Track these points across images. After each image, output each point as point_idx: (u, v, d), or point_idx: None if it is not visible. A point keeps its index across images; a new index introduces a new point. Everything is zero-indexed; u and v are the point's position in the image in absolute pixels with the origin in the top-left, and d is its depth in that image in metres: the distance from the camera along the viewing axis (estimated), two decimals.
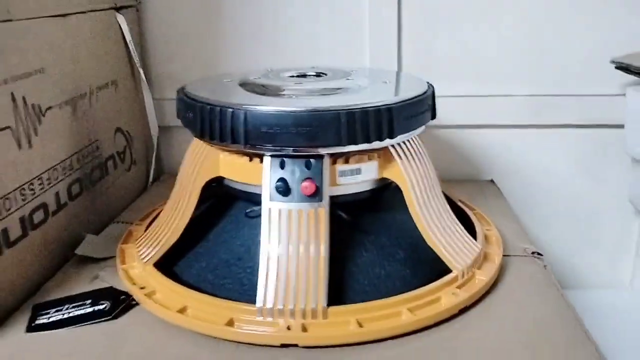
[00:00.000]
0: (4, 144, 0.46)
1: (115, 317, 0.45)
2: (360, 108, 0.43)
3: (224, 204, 0.52)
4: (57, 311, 0.46)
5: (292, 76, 0.54)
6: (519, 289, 0.49)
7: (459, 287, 0.47)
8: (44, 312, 0.46)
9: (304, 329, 0.42)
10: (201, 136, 0.46)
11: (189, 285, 0.47)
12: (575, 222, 0.78)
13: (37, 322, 0.45)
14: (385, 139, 0.45)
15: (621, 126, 0.71)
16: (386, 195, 0.50)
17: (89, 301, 0.47)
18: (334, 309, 0.43)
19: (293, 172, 0.45)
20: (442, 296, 0.46)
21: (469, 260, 0.49)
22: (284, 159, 0.45)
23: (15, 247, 0.47)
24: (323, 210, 0.44)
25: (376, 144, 0.45)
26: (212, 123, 0.45)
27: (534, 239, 0.61)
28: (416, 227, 0.48)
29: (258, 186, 0.47)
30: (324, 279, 0.43)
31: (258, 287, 0.43)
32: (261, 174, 0.46)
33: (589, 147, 0.75)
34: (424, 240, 0.48)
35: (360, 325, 0.42)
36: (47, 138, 0.52)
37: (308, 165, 0.45)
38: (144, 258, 0.50)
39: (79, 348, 0.42)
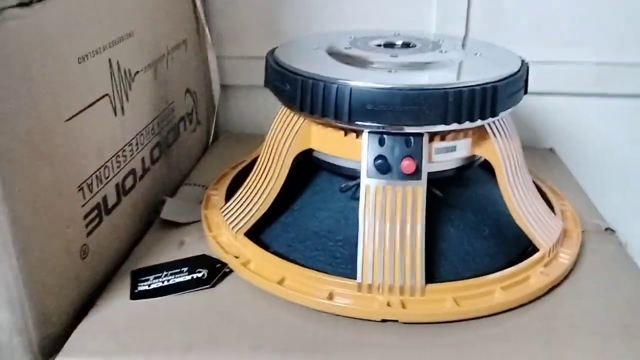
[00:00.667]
0: (103, 112, 0.46)
1: (213, 286, 0.47)
2: (467, 87, 0.43)
3: (310, 175, 0.52)
4: (156, 278, 0.47)
5: (380, 45, 0.53)
6: (602, 268, 0.50)
7: (545, 265, 0.48)
8: (143, 279, 0.47)
9: (403, 306, 0.43)
10: (300, 110, 0.46)
11: (280, 255, 0.48)
12: (632, 192, 0.78)
13: (139, 289, 0.46)
14: (487, 117, 0.45)
15: None
16: (472, 171, 0.50)
17: (186, 269, 0.48)
18: (430, 286, 0.44)
19: (392, 150, 0.45)
20: (531, 275, 0.47)
21: (554, 238, 0.50)
22: (384, 135, 0.45)
23: (112, 214, 0.48)
24: (421, 188, 0.45)
25: (478, 122, 0.45)
26: (313, 98, 0.45)
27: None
28: (502, 204, 0.49)
29: (351, 161, 0.48)
30: (421, 257, 0.44)
31: (358, 263, 0.44)
32: (356, 149, 0.46)
33: None
34: (509, 217, 0.49)
35: (457, 304, 0.43)
36: (135, 103, 0.52)
37: (408, 143, 0.45)
38: (233, 227, 0.51)
39: (186, 316, 0.43)
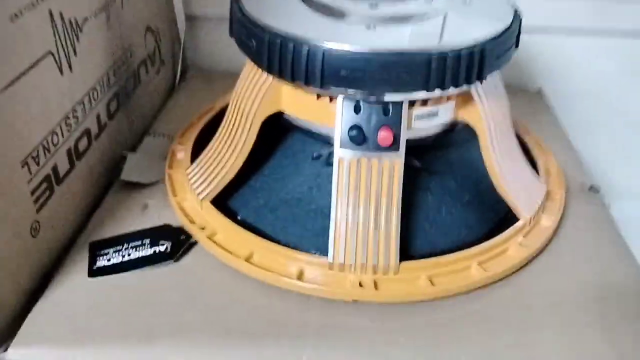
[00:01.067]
0: (46, 72, 0.41)
1: (177, 260, 0.44)
2: (452, 50, 0.39)
3: (281, 134, 0.48)
4: (116, 252, 0.45)
5: None
6: (582, 234, 0.48)
7: (525, 235, 0.46)
8: (102, 253, 0.44)
9: (376, 286, 0.41)
10: (268, 71, 0.42)
11: (247, 224, 0.46)
12: (619, 133, 0.76)
13: (98, 264, 0.43)
14: (473, 82, 0.41)
15: None
16: (454, 134, 0.47)
17: (148, 240, 0.45)
18: (405, 264, 0.42)
19: (369, 119, 0.41)
20: (510, 247, 0.45)
21: (537, 205, 0.48)
22: (359, 102, 0.41)
23: (65, 182, 0.45)
24: (398, 160, 0.41)
25: (463, 87, 0.41)
26: (282, 59, 0.40)
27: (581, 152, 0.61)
28: (483, 168, 0.46)
29: (325, 127, 0.44)
30: (396, 235, 0.42)
31: (329, 241, 0.42)
32: (329, 114, 0.42)
33: None
34: (490, 182, 0.46)
35: (432, 283, 0.41)
36: (85, 56, 0.46)
37: (386, 111, 0.41)
38: (199, 193, 0.47)
39: (148, 297, 0.41)
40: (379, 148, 0.41)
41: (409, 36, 0.41)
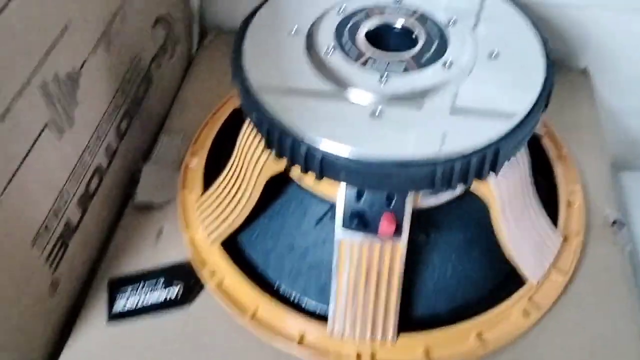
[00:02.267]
0: (46, 144, 0.41)
1: (189, 303, 0.47)
2: (460, 156, 0.36)
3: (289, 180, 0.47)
4: (133, 290, 0.47)
5: (372, 37, 0.43)
6: (592, 294, 0.47)
7: (530, 297, 0.46)
8: (120, 291, 0.47)
9: (373, 357, 0.43)
10: (267, 148, 0.40)
11: (253, 266, 0.47)
12: None
13: (115, 309, 0.46)
14: (485, 177, 0.38)
15: None
16: (466, 199, 0.45)
17: (162, 280, 0.48)
18: (403, 336, 0.43)
19: (371, 205, 0.40)
20: (513, 313, 0.45)
21: (546, 267, 0.47)
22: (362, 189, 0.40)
23: (79, 228, 0.46)
24: (400, 245, 0.41)
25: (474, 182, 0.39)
26: (281, 147, 0.38)
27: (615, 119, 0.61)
28: (492, 231, 0.45)
29: (328, 195, 0.43)
30: (395, 309, 0.42)
31: (330, 312, 0.43)
32: (332, 189, 0.41)
33: None
34: (498, 245, 0.45)
35: (428, 354, 0.43)
36: (87, 98, 0.45)
37: (389, 198, 0.40)
38: (209, 234, 0.48)
39: (161, 345, 0.44)
40: (381, 235, 0.40)
41: (415, 135, 0.37)
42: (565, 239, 0.49)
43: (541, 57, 0.42)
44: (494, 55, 0.42)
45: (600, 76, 0.66)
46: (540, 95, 0.39)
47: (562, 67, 0.66)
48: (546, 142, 0.56)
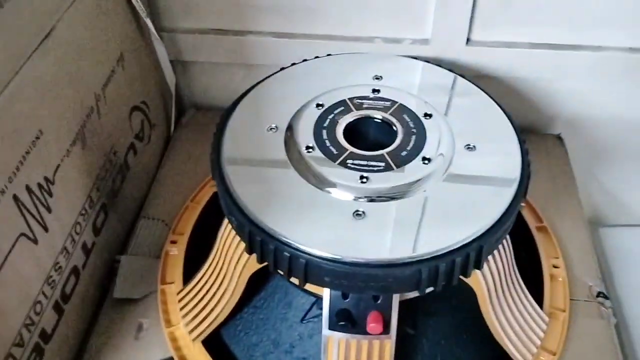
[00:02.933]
0: (21, 254, 0.39)
1: None
2: (446, 254, 0.36)
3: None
4: None
5: (350, 132, 0.43)
6: None
7: None
8: None
9: None
10: (249, 253, 0.39)
11: None
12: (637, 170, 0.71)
13: None
14: (470, 275, 0.38)
15: None
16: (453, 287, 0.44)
17: None
18: None
19: (358, 304, 0.39)
20: None
21: (536, 345, 0.46)
22: None
23: (56, 332, 0.45)
24: (389, 343, 0.40)
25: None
26: (264, 253, 0.38)
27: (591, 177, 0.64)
28: (482, 319, 0.44)
29: (313, 289, 0.42)
30: None
31: None
32: (317, 287, 0.41)
33: None
34: (489, 332, 0.45)
35: None
36: (61, 202, 0.44)
37: (376, 297, 0.39)
38: (190, 331, 0.47)
39: None
40: (369, 333, 0.40)
41: (397, 235, 0.37)
42: (552, 315, 0.49)
43: (516, 144, 0.42)
44: (470, 147, 0.42)
45: (573, 141, 0.67)
46: (519, 185, 0.40)
47: (537, 134, 0.67)
48: (526, 214, 0.56)
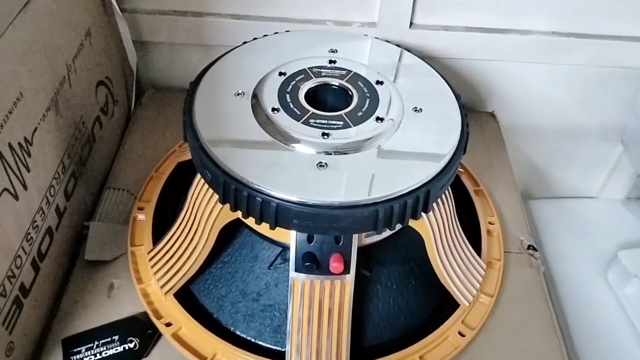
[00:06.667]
0: (3, 207, 0.42)
1: (146, 356, 0.48)
2: (398, 198, 0.41)
3: (240, 227, 0.50)
4: (88, 349, 0.48)
5: (311, 98, 0.48)
6: (516, 311, 0.53)
7: (464, 320, 0.51)
8: (75, 352, 0.48)
9: None
10: (223, 203, 0.43)
11: (208, 314, 0.49)
12: (562, 145, 0.79)
13: None
14: (420, 216, 0.43)
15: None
16: (403, 233, 0.50)
17: (117, 337, 0.49)
18: None
19: (321, 247, 0.44)
20: (450, 335, 0.50)
21: (476, 288, 0.52)
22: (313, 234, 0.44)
23: (32, 289, 0.47)
24: (349, 281, 0.45)
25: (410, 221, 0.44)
26: (237, 201, 0.42)
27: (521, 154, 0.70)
28: (429, 263, 0.50)
29: (279, 239, 0.47)
30: (346, 342, 0.46)
31: (287, 349, 0.46)
32: (285, 234, 0.45)
33: (596, 84, 0.72)
34: (435, 275, 0.50)
35: None
36: (39, 164, 0.46)
37: (337, 240, 0.44)
38: (162, 286, 0.50)
39: None
40: (331, 273, 0.44)
41: (357, 182, 0.42)
42: (489, 264, 0.55)
43: (456, 109, 0.48)
44: (417, 109, 0.47)
45: (505, 119, 0.74)
46: (460, 141, 0.45)
47: (472, 112, 0.74)
48: (465, 179, 0.62)
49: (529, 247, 0.59)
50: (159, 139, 0.66)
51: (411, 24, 0.66)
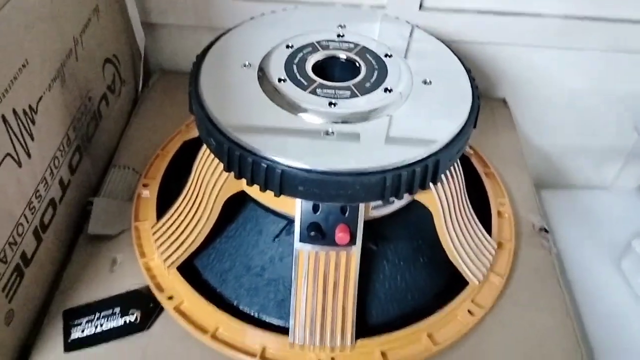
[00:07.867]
0: (5, 174, 0.41)
1: (147, 328, 0.47)
2: (407, 165, 0.40)
3: (245, 201, 0.50)
4: (89, 321, 0.47)
5: (319, 69, 0.47)
6: (527, 291, 0.52)
7: (473, 299, 0.50)
8: (76, 323, 0.47)
9: None
10: (227, 170, 0.42)
11: (212, 288, 0.49)
12: (575, 135, 0.78)
13: (72, 337, 0.46)
14: (428, 187, 0.42)
15: None
16: (411, 208, 0.49)
17: (118, 309, 0.48)
18: (360, 342, 0.46)
19: (327, 217, 0.43)
20: (459, 313, 0.49)
21: (485, 268, 0.51)
22: (318, 203, 0.43)
23: (34, 259, 0.46)
24: (355, 254, 0.44)
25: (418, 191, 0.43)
26: (241, 168, 0.41)
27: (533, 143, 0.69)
28: (437, 238, 0.49)
29: (286, 211, 0.46)
30: (351, 316, 0.45)
31: (290, 323, 0.45)
32: (290, 205, 0.44)
33: (610, 70, 0.71)
34: (443, 249, 0.49)
35: (385, 356, 0.45)
36: (43, 133, 0.46)
37: (343, 210, 0.43)
38: (165, 259, 0.49)
39: None
40: (336, 244, 0.43)
41: (364, 150, 0.41)
42: (499, 245, 0.54)
43: (467, 82, 0.47)
44: (427, 82, 0.47)
45: (517, 105, 0.73)
46: (470, 113, 0.44)
47: (483, 97, 0.73)
48: (475, 161, 0.61)
49: (541, 229, 0.57)
50: (165, 121, 0.65)
51: (421, 5, 0.65)
